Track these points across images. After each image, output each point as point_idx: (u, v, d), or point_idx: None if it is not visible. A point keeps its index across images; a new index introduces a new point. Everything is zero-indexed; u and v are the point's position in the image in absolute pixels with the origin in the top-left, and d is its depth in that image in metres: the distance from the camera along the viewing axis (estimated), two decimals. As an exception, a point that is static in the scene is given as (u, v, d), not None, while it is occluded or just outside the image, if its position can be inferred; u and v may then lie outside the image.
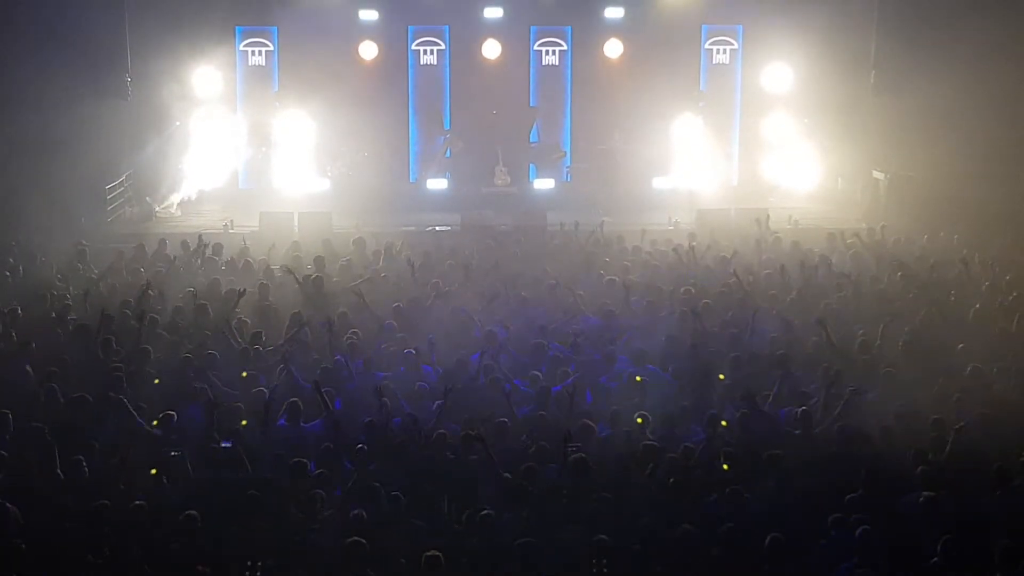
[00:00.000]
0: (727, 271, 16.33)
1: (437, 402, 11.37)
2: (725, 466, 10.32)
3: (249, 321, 14.22)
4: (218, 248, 18.28)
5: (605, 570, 9.01)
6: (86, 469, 10.11)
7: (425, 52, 26.26)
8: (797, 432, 11.17)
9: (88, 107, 21.87)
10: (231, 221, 22.23)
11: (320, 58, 24.93)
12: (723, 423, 11.17)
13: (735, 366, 12.68)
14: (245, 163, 26.09)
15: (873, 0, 24.56)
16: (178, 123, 25.02)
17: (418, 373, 12.58)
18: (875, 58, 24.87)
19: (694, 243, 18.19)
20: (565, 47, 26.33)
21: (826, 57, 24.59)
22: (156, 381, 12.25)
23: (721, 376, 12.35)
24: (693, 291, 15.24)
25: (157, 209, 24.14)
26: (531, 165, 26.18)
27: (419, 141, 26.53)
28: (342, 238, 19.44)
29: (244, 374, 12.31)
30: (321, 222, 21.35)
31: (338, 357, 12.65)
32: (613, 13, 25.90)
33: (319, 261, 17.11)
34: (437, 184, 25.42)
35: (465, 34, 25.96)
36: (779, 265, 16.40)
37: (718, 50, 26.51)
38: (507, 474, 10.11)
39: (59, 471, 10.07)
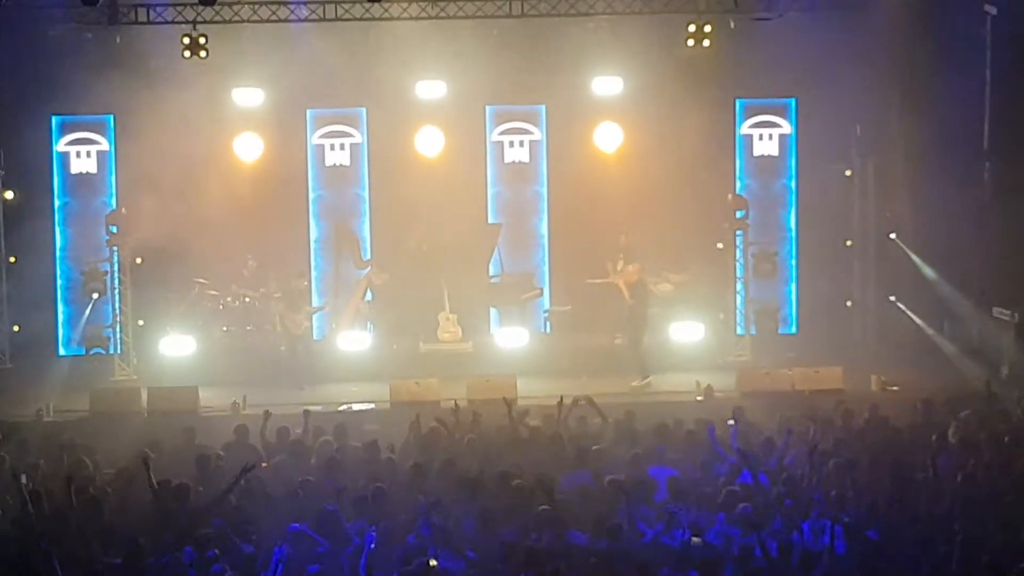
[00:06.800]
0: None
1: None
2: None
3: None
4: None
5: None
6: None
7: (332, 148, 22.12)
8: None
9: None
10: (47, 406, 18.52)
11: (178, 159, 20.65)
12: None
13: None
14: (66, 320, 21.97)
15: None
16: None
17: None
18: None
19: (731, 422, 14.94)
20: (538, 136, 22.16)
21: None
22: None
23: None
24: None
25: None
26: (492, 310, 22.25)
27: (325, 278, 22.48)
28: (215, 424, 17.23)
29: None
30: (183, 400, 18.64)
31: None
32: (606, 86, 21.24)
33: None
34: (354, 341, 21.41)
35: (391, 120, 21.79)
36: None
37: (761, 135, 21.84)
38: None
39: None
